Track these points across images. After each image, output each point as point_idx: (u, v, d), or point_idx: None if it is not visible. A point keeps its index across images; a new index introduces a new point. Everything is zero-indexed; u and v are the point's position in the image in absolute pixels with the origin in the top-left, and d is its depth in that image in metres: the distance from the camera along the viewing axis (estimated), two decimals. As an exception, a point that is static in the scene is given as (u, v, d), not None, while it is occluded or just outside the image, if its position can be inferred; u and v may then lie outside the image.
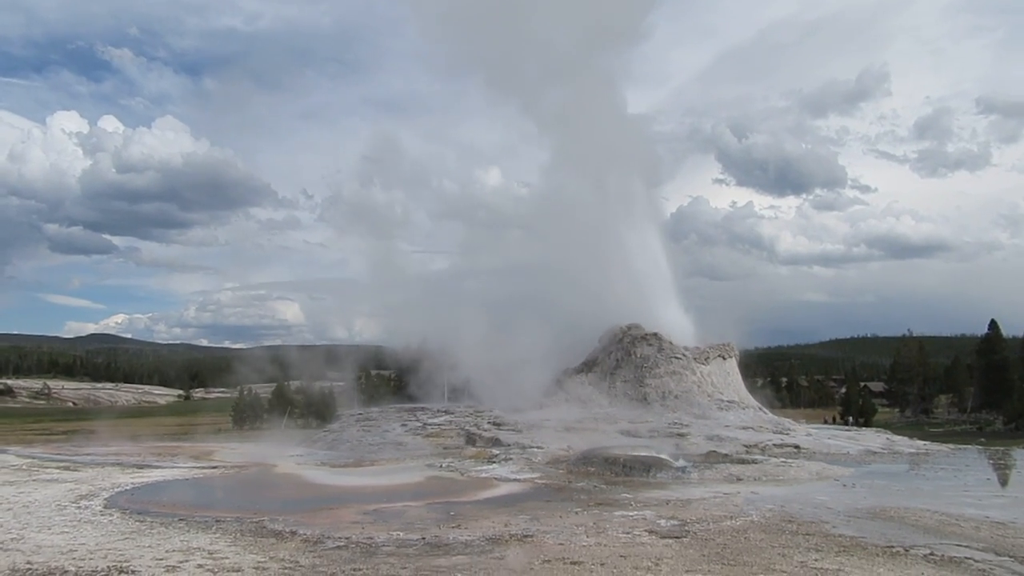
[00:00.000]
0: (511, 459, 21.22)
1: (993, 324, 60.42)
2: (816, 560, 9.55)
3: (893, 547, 10.23)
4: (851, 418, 52.79)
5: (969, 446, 28.45)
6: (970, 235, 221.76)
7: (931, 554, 9.85)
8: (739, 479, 17.48)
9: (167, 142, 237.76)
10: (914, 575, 8.92)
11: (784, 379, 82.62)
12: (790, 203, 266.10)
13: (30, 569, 9.20)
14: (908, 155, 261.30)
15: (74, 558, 9.75)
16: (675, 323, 33.57)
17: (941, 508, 13.44)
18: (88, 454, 25.60)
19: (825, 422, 47.21)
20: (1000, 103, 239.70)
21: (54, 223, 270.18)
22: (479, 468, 20.00)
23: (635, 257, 35.33)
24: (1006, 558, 9.77)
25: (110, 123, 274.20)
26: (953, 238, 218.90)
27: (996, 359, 57.56)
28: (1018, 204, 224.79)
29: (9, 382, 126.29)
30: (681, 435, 24.61)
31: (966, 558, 9.68)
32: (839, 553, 9.95)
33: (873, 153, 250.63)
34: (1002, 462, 23.04)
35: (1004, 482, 19.36)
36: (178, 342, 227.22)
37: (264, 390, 65.39)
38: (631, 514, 12.96)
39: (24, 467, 21.21)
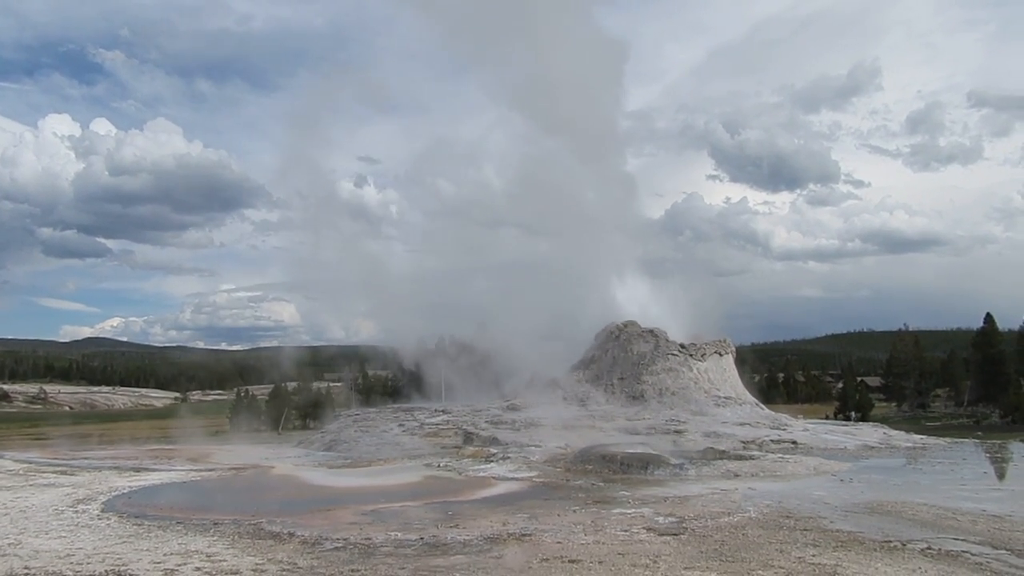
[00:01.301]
0: (509, 458, 21.20)
1: (989, 318, 60.51)
2: (814, 555, 9.57)
3: (890, 541, 10.25)
4: (852, 413, 52.85)
5: (966, 440, 28.51)
6: (963, 229, 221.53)
7: (928, 548, 9.88)
8: (736, 475, 17.52)
9: (160, 144, 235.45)
10: (912, 569, 8.93)
11: (781, 375, 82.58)
12: (784, 198, 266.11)
13: (28, 574, 9.17)
14: (901, 149, 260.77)
15: (72, 562, 9.73)
16: (670, 319, 33.59)
17: (938, 502, 13.49)
18: (85, 458, 25.54)
19: (827, 417, 47.27)
20: (992, 97, 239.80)
21: (47, 227, 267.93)
22: (477, 467, 20.00)
23: (624, 250, 35.36)
24: (1003, 551, 9.81)
25: (102, 126, 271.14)
26: (947, 232, 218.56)
27: (992, 353, 57.68)
28: (1011, 198, 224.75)
29: (5, 387, 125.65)
30: (678, 432, 24.66)
31: (963, 552, 9.71)
32: (837, 548, 9.97)
33: (866, 148, 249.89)
34: (999, 456, 23.14)
35: (1001, 476, 19.43)
36: (174, 345, 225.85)
37: (261, 391, 65.41)
38: (629, 512, 12.98)
39: (21, 472, 21.15)
